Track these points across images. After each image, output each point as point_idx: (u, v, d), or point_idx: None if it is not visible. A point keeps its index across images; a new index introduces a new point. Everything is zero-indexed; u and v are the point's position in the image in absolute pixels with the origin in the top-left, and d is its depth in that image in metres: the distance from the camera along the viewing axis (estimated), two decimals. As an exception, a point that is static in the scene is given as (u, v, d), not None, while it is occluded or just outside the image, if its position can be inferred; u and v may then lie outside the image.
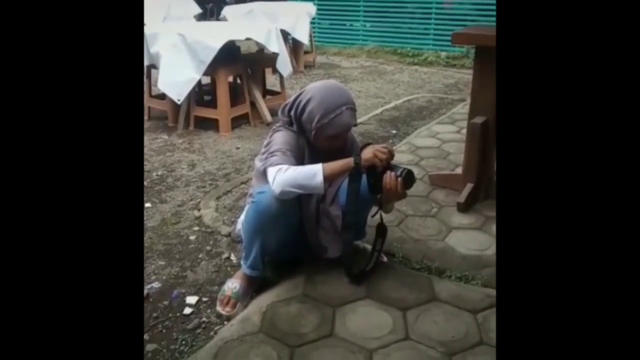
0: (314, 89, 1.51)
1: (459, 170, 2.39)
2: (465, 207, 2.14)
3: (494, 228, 2.00)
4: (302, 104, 1.51)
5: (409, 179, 1.43)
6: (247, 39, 3.53)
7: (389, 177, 1.41)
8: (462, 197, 2.15)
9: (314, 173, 1.37)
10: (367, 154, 1.42)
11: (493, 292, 1.56)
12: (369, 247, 1.78)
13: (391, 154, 1.45)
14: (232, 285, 1.57)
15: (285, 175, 1.36)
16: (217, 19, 4.21)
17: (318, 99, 1.48)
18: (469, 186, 2.19)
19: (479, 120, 2.12)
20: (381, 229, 1.61)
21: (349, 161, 1.43)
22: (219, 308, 1.53)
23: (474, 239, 1.93)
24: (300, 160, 1.51)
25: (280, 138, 1.50)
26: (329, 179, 1.40)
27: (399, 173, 1.42)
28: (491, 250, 1.84)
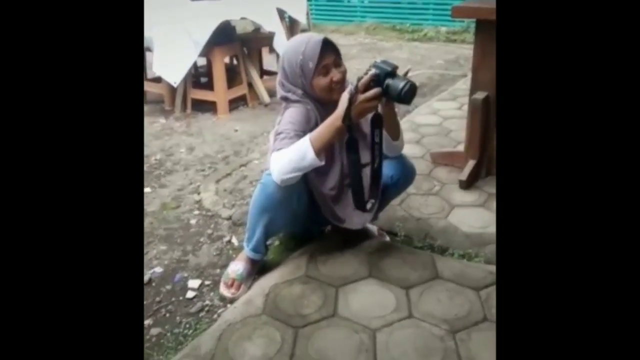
0: (282, 53, 1.51)
1: (461, 148, 2.36)
2: (467, 185, 2.12)
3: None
4: (281, 68, 1.49)
5: (408, 95, 1.29)
6: (243, 18, 3.47)
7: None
8: (464, 175, 2.13)
9: (304, 151, 1.31)
10: (356, 112, 1.32)
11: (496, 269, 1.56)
12: (374, 228, 1.77)
13: (378, 94, 1.30)
14: (236, 267, 1.57)
15: (280, 163, 1.33)
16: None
17: (287, 52, 1.47)
18: (470, 163, 2.17)
19: (480, 95, 2.08)
20: (377, 119, 1.42)
21: (332, 122, 1.32)
22: (223, 290, 1.53)
23: (476, 216, 1.92)
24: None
25: (287, 117, 1.45)
26: (322, 150, 1.33)
27: (399, 89, 1.28)
28: (494, 227, 1.82)
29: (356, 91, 1.31)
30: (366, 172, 1.51)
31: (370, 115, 1.40)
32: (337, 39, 6.38)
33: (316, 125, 1.45)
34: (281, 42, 3.65)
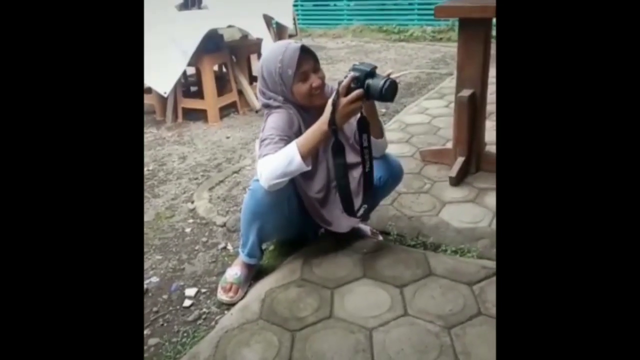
0: (260, 62, 1.53)
1: (450, 145, 2.39)
2: (457, 181, 2.14)
3: (486, 200, 2.01)
4: (261, 77, 1.51)
5: (390, 92, 1.32)
6: (230, 26, 3.49)
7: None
8: (453, 171, 2.16)
9: (291, 157, 1.33)
10: (341, 116, 1.34)
11: (488, 263, 1.58)
12: (367, 228, 1.79)
13: (359, 95, 1.32)
14: (233, 272, 1.58)
15: (267, 169, 1.34)
16: (199, 8, 4.14)
17: (265, 61, 1.49)
18: (459, 160, 2.20)
19: (466, 93, 2.11)
20: (363, 123, 1.44)
21: (319, 126, 1.35)
22: (221, 295, 1.54)
23: (467, 211, 1.94)
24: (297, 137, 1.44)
25: (270, 123, 1.47)
26: (308, 154, 1.36)
27: (380, 87, 1.30)
28: (485, 222, 1.85)
29: (338, 95, 1.33)
30: (353, 175, 1.53)
31: (355, 119, 1.42)
32: (325, 43, 6.44)
33: (299, 129, 1.48)
34: (269, 48, 3.68)
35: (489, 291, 1.44)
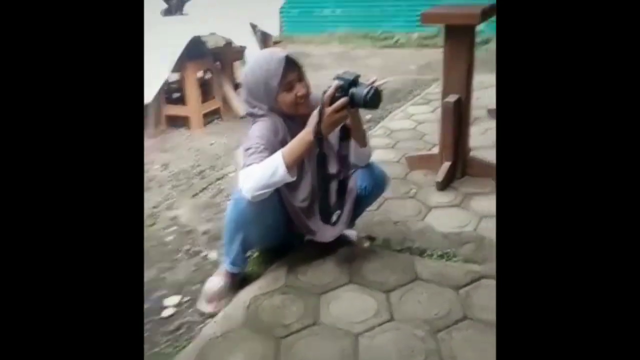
0: (245, 72, 1.53)
1: (436, 150, 2.39)
2: (443, 186, 2.14)
3: (472, 204, 2.01)
4: (246, 85, 1.50)
5: (374, 99, 1.32)
6: (212, 34, 3.47)
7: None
8: (439, 176, 2.16)
9: (275, 167, 1.32)
10: (327, 125, 1.34)
11: (474, 267, 1.58)
12: (353, 234, 1.77)
13: (344, 103, 1.32)
14: (216, 281, 1.55)
15: (252, 179, 1.32)
16: (182, 14, 4.12)
17: (250, 71, 1.48)
18: (445, 165, 2.20)
19: (451, 98, 2.12)
20: (345, 131, 1.46)
21: (304, 136, 1.35)
22: (203, 306, 1.51)
23: (453, 216, 1.94)
24: (283, 147, 1.42)
25: (255, 132, 1.46)
26: (294, 164, 1.35)
27: (363, 95, 1.30)
28: (471, 227, 1.85)
29: (323, 105, 1.32)
30: (334, 184, 1.52)
31: (337, 128, 1.42)
32: (311, 50, 6.44)
33: (284, 137, 1.47)
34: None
35: (475, 295, 1.43)
